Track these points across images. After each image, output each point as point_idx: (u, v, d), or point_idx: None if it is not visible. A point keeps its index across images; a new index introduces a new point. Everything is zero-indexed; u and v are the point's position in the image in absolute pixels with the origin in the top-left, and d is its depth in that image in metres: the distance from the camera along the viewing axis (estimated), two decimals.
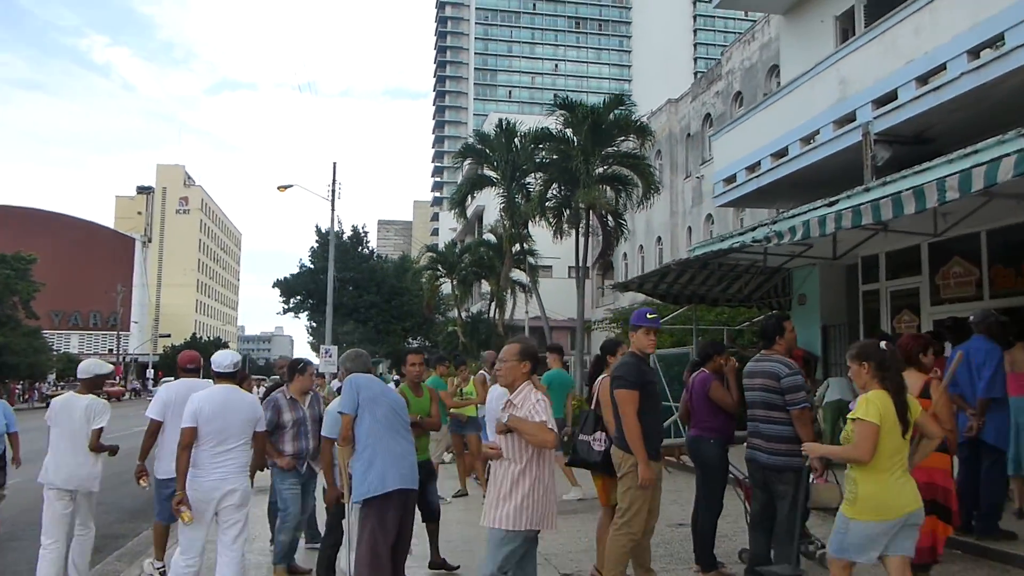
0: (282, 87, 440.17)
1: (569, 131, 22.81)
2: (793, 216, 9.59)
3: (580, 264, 24.24)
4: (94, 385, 6.54)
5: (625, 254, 36.61)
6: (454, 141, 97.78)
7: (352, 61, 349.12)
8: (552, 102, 23.85)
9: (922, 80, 9.71)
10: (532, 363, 4.63)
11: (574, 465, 6.26)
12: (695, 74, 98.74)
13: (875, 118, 10.44)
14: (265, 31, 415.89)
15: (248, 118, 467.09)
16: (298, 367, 6.88)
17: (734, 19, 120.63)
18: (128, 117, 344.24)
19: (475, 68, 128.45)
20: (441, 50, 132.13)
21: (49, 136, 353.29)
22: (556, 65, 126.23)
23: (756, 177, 13.79)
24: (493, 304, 37.73)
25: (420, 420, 6.34)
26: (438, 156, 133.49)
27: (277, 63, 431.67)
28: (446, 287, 40.90)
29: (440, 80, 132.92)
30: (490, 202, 39.64)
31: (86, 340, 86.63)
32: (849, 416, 4.22)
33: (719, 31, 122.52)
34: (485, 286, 39.85)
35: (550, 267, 39.97)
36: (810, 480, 5.60)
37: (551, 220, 23.93)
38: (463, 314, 38.95)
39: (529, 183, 25.77)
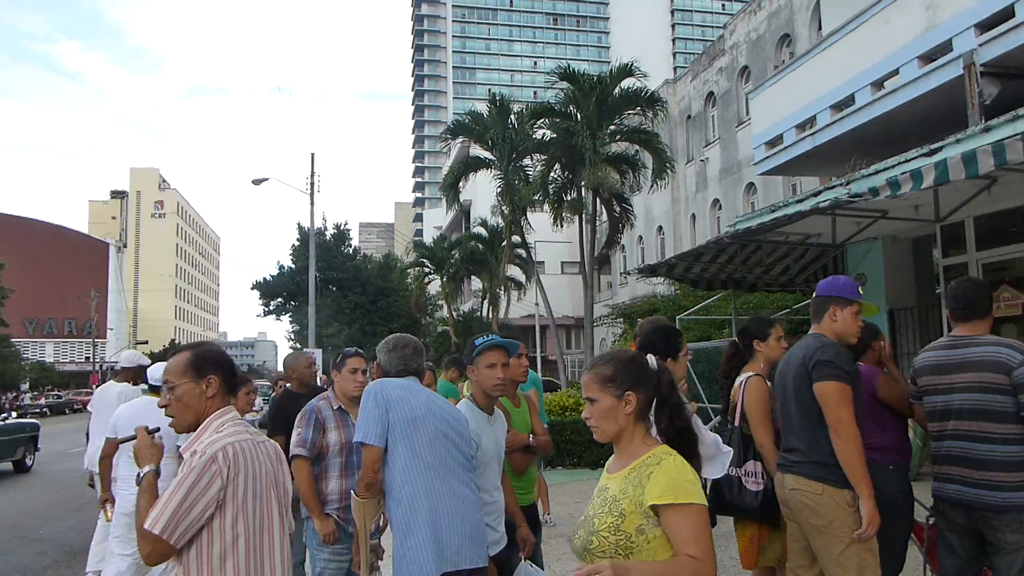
0: (256, 91, 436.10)
1: (572, 107, 20.78)
2: (878, 172, 7.70)
3: (586, 252, 22.24)
4: (135, 375, 6.39)
5: (623, 246, 34.74)
6: (435, 141, 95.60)
7: (326, 64, 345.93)
8: (546, 82, 21.90)
9: None
10: (227, 375, 2.45)
11: (719, 513, 3.89)
12: (674, 69, 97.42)
13: (980, 46, 8.52)
14: (236, 36, 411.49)
15: (222, 123, 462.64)
16: (337, 361, 4.44)
17: (711, 13, 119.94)
18: (101, 122, 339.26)
19: (453, 67, 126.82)
20: (419, 49, 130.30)
21: (17, 142, 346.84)
22: (535, 62, 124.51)
23: (810, 135, 11.80)
24: (486, 301, 35.75)
25: (534, 442, 4.05)
26: (418, 156, 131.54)
27: (250, 67, 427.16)
28: (434, 285, 38.91)
29: (418, 80, 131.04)
30: (478, 195, 37.66)
31: (61, 348, 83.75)
32: (653, 501, 2.03)
33: (696, 25, 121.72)
34: (476, 283, 37.82)
35: (542, 262, 38.05)
36: None
37: (554, 204, 21.79)
38: (454, 313, 36.91)
39: (527, 165, 23.68)
